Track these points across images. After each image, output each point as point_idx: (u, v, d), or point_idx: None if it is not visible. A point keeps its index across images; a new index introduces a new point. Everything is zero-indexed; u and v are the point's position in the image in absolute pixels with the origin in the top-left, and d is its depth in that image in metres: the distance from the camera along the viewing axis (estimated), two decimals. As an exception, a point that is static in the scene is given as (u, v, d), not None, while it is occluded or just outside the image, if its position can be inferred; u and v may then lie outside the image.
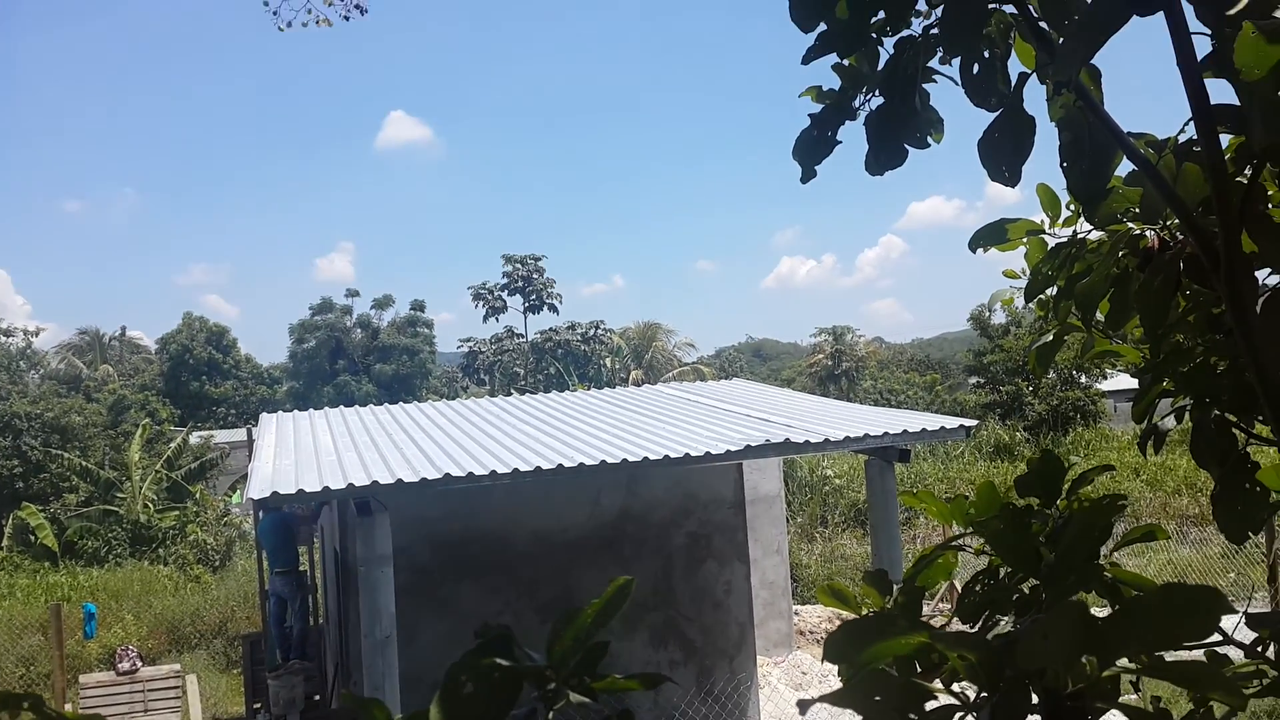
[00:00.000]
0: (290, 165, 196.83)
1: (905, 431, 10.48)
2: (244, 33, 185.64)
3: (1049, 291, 2.60)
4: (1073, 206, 2.48)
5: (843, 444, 10.29)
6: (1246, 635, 1.60)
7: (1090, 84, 2.00)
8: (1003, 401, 37.07)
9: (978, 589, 1.86)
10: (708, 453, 9.49)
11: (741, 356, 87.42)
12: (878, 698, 1.19)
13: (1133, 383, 2.66)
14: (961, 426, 10.87)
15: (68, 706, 15.41)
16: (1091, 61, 1.79)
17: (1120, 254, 2.32)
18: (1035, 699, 1.23)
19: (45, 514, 28.00)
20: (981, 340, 40.29)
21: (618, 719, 1.11)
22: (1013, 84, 2.11)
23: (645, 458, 9.32)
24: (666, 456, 9.38)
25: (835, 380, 63.96)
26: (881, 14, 2.05)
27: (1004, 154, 2.05)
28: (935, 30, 2.11)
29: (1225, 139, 1.93)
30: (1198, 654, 1.36)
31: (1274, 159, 1.73)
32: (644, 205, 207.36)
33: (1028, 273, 2.62)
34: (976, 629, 1.81)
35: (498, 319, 65.91)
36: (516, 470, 8.96)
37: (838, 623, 1.29)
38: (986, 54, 2.12)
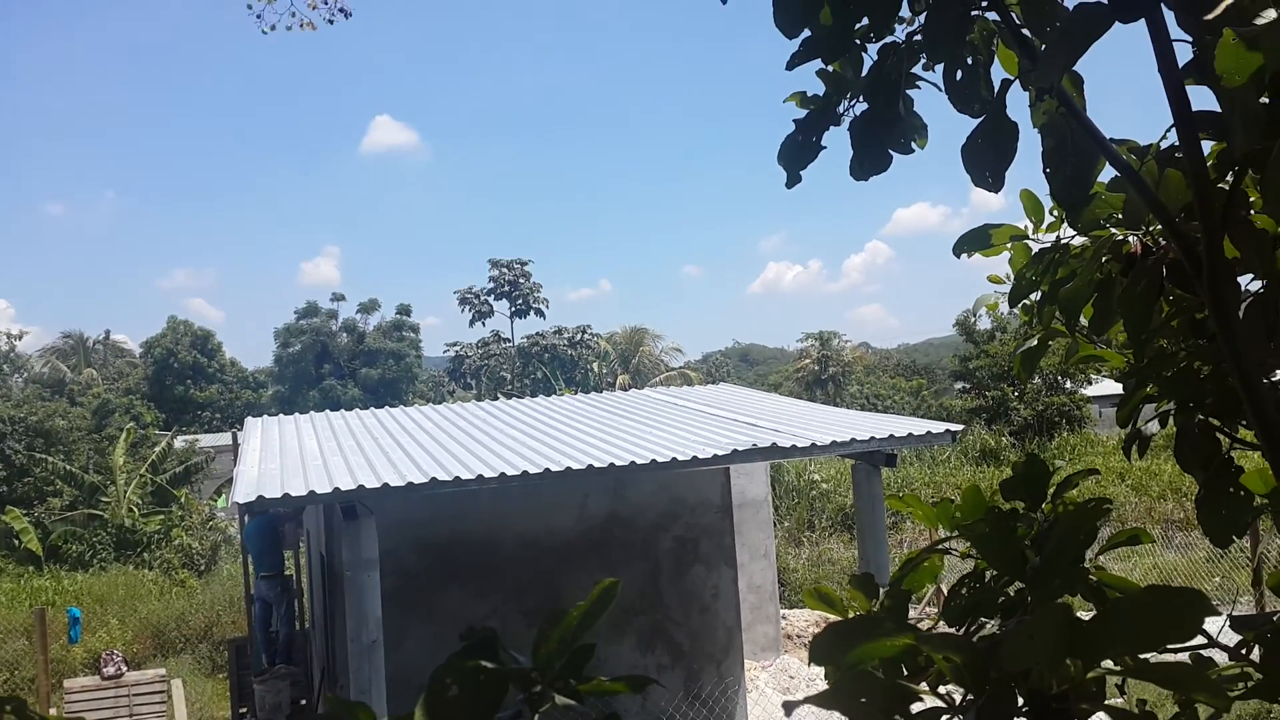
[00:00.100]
0: (275, 169, 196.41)
1: (892, 436, 10.50)
2: (228, 36, 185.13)
3: (1033, 296, 2.61)
4: (1056, 212, 2.50)
5: (829, 448, 10.30)
6: (1232, 639, 1.61)
7: (1073, 90, 2.01)
8: (988, 406, 37.17)
9: (964, 592, 1.86)
10: (695, 457, 9.49)
11: (728, 361, 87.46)
12: (864, 699, 1.20)
13: (1117, 388, 2.67)
14: (947, 431, 10.90)
15: (52, 711, 15.33)
16: (1074, 68, 1.80)
17: (1103, 259, 2.34)
18: (1021, 701, 1.23)
19: (29, 518, 27.83)
20: (967, 346, 40.38)
21: (604, 722, 1.11)
22: (996, 90, 2.12)
23: (632, 462, 9.32)
24: (654, 461, 9.37)
25: (822, 385, 64.00)
26: (865, 20, 2.06)
27: (987, 160, 2.06)
28: (919, 36, 2.12)
29: (1207, 145, 1.95)
30: (1182, 656, 1.37)
31: (1255, 165, 1.75)
32: (631, 210, 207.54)
33: (1012, 278, 2.63)
34: (962, 632, 1.81)
35: (484, 323, 65.78)
36: (503, 474, 8.95)
37: (825, 626, 1.29)
38: (970, 60, 2.13)
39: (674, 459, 9.43)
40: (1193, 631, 1.13)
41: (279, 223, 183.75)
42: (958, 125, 2.18)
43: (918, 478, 28.96)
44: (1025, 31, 2.01)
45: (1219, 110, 1.76)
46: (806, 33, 2.09)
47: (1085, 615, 1.23)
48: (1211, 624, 1.25)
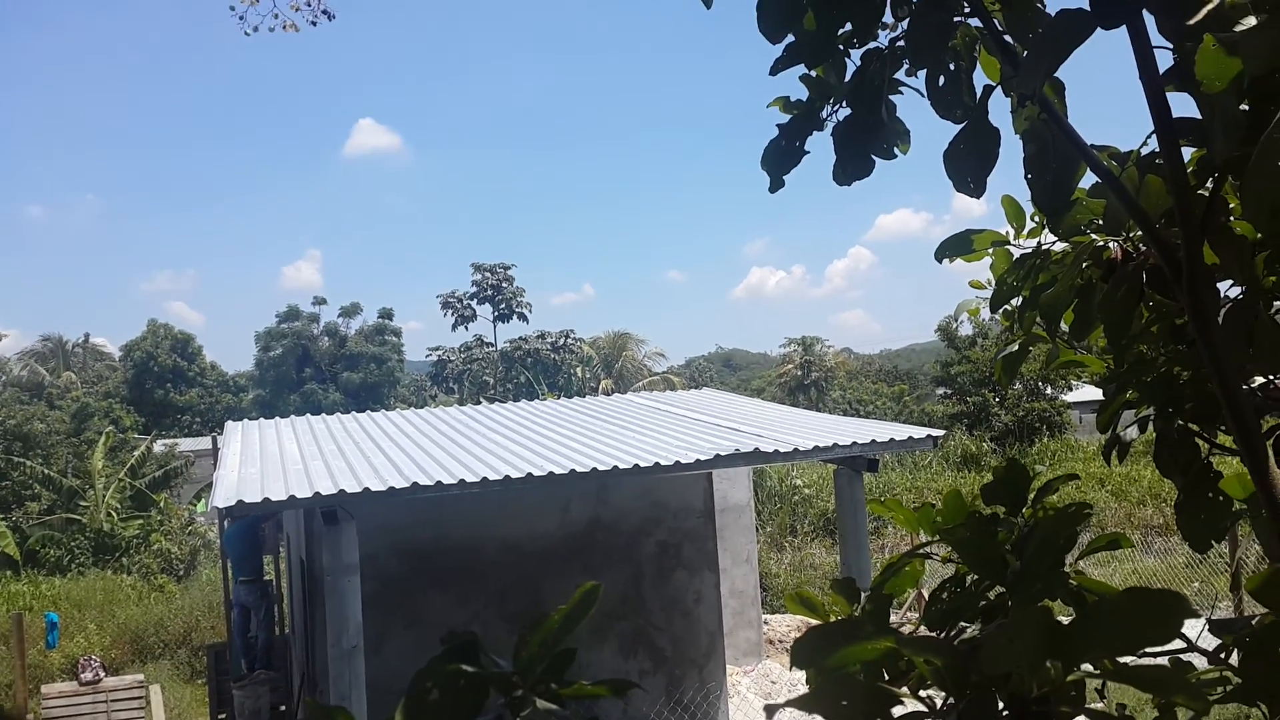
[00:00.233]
0: (257, 172, 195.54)
1: (874, 441, 10.53)
2: (210, 38, 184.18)
3: (1014, 302, 2.63)
4: (1037, 218, 2.51)
5: (812, 453, 10.32)
6: (1211, 644, 1.62)
7: (1054, 97, 2.02)
8: (970, 412, 37.29)
9: (945, 597, 1.86)
10: (677, 462, 9.50)
11: (711, 366, 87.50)
12: (845, 702, 1.20)
13: (1098, 394, 2.68)
14: (929, 436, 10.93)
15: (29, 717, 15.23)
16: (1055, 75, 1.81)
17: (1084, 265, 2.35)
18: (1001, 705, 1.23)
19: (7, 522, 27.62)
20: (949, 351, 40.51)
21: (585, 726, 1.11)
22: (978, 96, 2.13)
23: (615, 467, 9.32)
24: (636, 465, 9.37)
25: (804, 390, 64.10)
26: (849, 26, 2.06)
27: (969, 165, 2.07)
28: (902, 43, 2.13)
29: (1187, 152, 1.96)
30: (1162, 661, 1.37)
31: (1235, 171, 1.76)
32: (615, 215, 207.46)
33: (994, 283, 2.64)
34: (943, 636, 1.82)
35: (467, 328, 65.60)
36: (485, 479, 8.93)
37: (806, 630, 1.29)
38: (952, 66, 2.14)
39: (656, 464, 9.43)
40: (1172, 633, 1.13)
41: (260, 226, 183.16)
42: (940, 131, 2.19)
43: (899, 483, 29.03)
44: (1007, 38, 2.02)
45: (1199, 116, 1.77)
46: (790, 38, 2.09)
47: (1065, 619, 1.23)
48: (1190, 628, 1.26)
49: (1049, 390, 37.05)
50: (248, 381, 64.50)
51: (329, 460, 10.32)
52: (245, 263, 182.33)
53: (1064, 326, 2.50)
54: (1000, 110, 2.09)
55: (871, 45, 2.18)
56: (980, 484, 2.13)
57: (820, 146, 2.33)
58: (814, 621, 1.75)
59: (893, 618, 2.00)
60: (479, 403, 28.58)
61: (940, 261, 2.58)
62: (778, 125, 2.38)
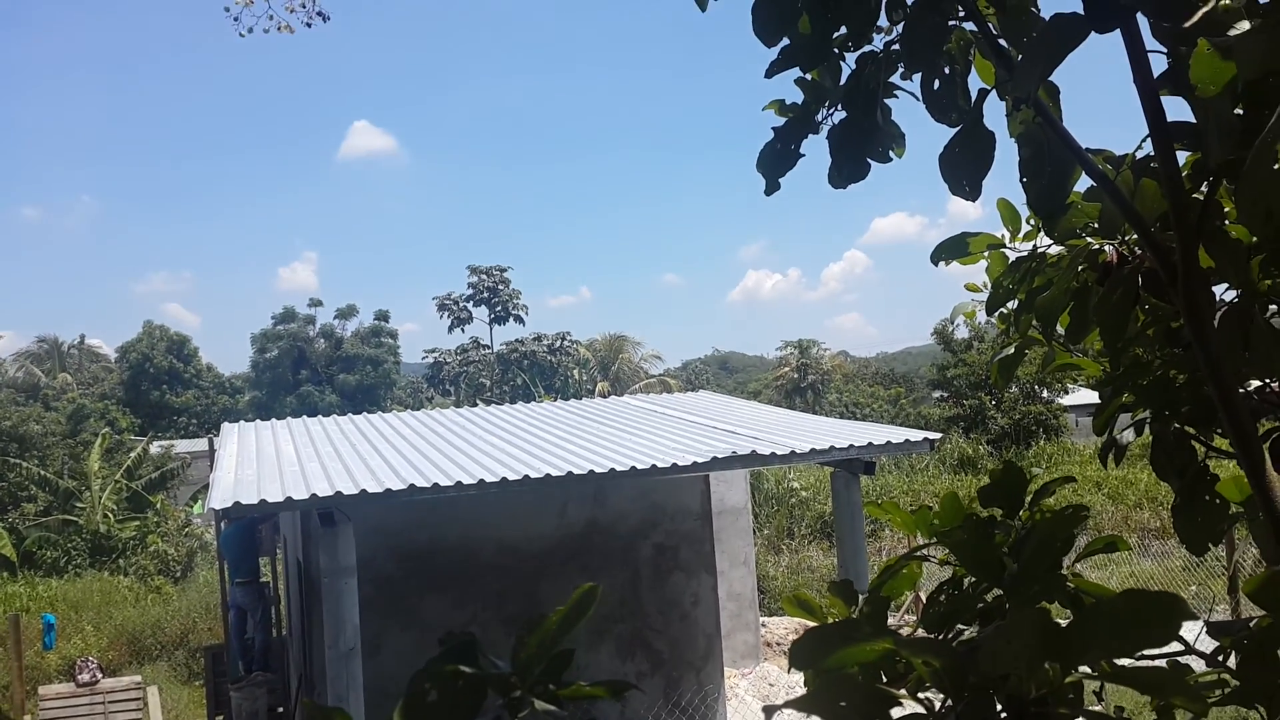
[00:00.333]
0: (253, 173, 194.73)
1: (870, 444, 10.54)
2: (205, 40, 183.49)
3: (1010, 305, 2.63)
4: (1033, 221, 2.52)
5: (809, 456, 10.33)
6: (1208, 647, 1.62)
7: (1049, 100, 2.03)
8: (966, 415, 37.31)
9: (942, 599, 1.87)
10: (674, 464, 9.50)
11: (708, 369, 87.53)
12: (843, 703, 1.20)
13: (1094, 397, 2.69)
14: (925, 439, 10.94)
15: (27, 718, 15.21)
16: (1050, 78, 1.81)
17: (1080, 268, 2.35)
18: (999, 707, 1.24)
19: (3, 524, 27.61)
20: (945, 354, 40.55)
21: (583, 727, 1.11)
22: (973, 100, 2.13)
23: (612, 469, 9.32)
24: (633, 468, 9.38)
25: (801, 393, 64.13)
26: (844, 29, 2.07)
27: (965, 169, 2.08)
28: (897, 46, 2.14)
29: (1182, 155, 1.96)
30: (1159, 663, 1.37)
31: (1229, 175, 1.77)
32: (611, 218, 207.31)
33: (989, 286, 2.64)
34: (941, 638, 1.82)
35: (463, 330, 65.70)
36: (482, 481, 8.93)
37: (804, 631, 1.29)
38: (947, 70, 2.14)
39: (654, 466, 9.43)
40: (1171, 635, 1.13)
41: (256, 227, 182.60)
42: (935, 134, 2.20)
43: (896, 486, 29.04)
44: (1002, 42, 2.03)
45: (1194, 120, 1.78)
46: (785, 41, 2.10)
47: (1063, 622, 1.24)
48: (1188, 631, 1.26)
49: (1045, 393, 37.10)
50: (244, 383, 64.44)
51: (325, 462, 10.32)
52: (241, 264, 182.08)
53: (1060, 330, 2.51)
54: (995, 114, 2.10)
55: (866, 49, 2.18)
56: (977, 487, 2.14)
57: (816, 150, 2.34)
58: (812, 624, 1.76)
59: (890, 620, 2.00)
60: (475, 405, 28.57)
61: (936, 265, 2.58)
62: (773, 128, 2.39)
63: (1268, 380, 2.26)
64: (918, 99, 2.16)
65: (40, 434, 34.13)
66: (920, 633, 1.85)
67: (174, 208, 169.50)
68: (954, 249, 2.55)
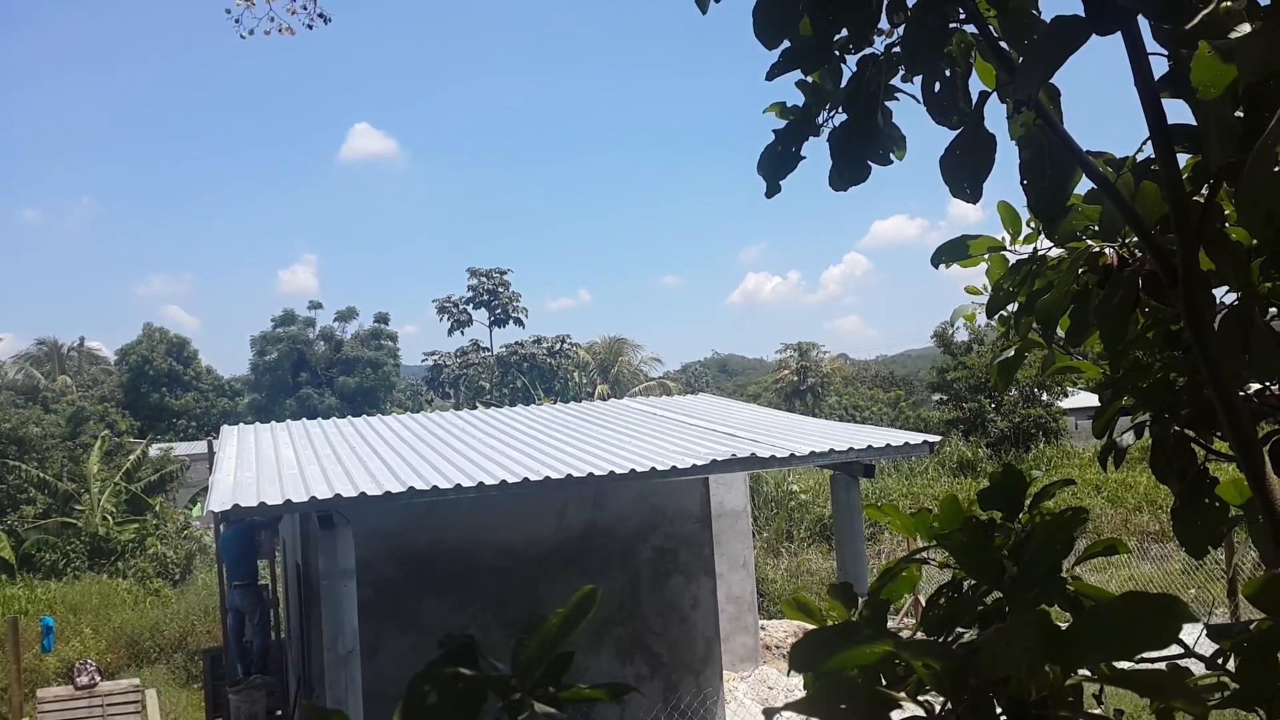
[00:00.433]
0: (252, 176, 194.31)
1: (870, 447, 10.53)
2: (206, 41, 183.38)
3: (1010, 308, 2.63)
4: (1033, 224, 2.51)
5: (808, 459, 10.33)
6: (1208, 650, 1.62)
7: (1049, 103, 2.03)
8: (966, 418, 37.30)
9: (941, 602, 1.87)
10: (674, 467, 9.50)
11: (707, 372, 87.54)
12: (843, 706, 1.20)
13: (1093, 400, 2.69)
14: (925, 442, 10.94)
15: (23, 723, 15.19)
16: (1050, 81, 1.81)
17: (1080, 271, 2.35)
18: (999, 710, 1.24)
19: (2, 526, 27.60)
20: (945, 357, 40.56)
21: (582, 730, 1.11)
22: (974, 102, 2.13)
23: (611, 472, 9.31)
24: (633, 470, 9.37)
25: (801, 396, 64.15)
26: (844, 32, 2.07)
27: (965, 171, 2.08)
28: (897, 49, 2.14)
29: (1183, 158, 1.96)
30: (1159, 666, 1.37)
31: (1230, 178, 1.76)
32: (610, 221, 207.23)
33: (989, 289, 2.64)
34: (941, 641, 1.82)
35: (463, 332, 65.73)
36: (481, 484, 8.92)
37: (804, 634, 1.29)
38: (948, 72, 2.14)
39: (653, 469, 9.43)
40: (1171, 637, 1.13)
41: (256, 230, 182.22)
42: (936, 137, 2.20)
43: (895, 489, 29.04)
44: (1003, 44, 2.03)
45: (1194, 123, 1.78)
46: (786, 44, 2.10)
47: (1063, 624, 1.23)
48: (1188, 634, 1.26)
49: (1045, 396, 37.08)
50: (243, 385, 64.45)
51: (325, 464, 10.32)
52: (241, 267, 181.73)
53: (1060, 332, 2.51)
54: (996, 116, 2.09)
55: (867, 51, 2.18)
56: (976, 490, 2.13)
57: (816, 152, 2.34)
58: (811, 626, 1.75)
59: (890, 623, 2.00)
60: (475, 407, 28.56)
61: (936, 267, 2.58)
62: (774, 131, 2.39)
63: (1267, 383, 2.26)
64: (918, 101, 2.16)
65: (39, 436, 34.14)
66: (920, 635, 1.84)
67: (174, 210, 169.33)
68: (954, 251, 2.55)
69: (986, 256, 2.59)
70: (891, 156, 2.31)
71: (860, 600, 1.91)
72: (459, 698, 1.01)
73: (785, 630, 16.70)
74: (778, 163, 2.39)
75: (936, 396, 42.98)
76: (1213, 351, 1.73)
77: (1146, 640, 1.14)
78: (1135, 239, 2.18)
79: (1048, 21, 1.70)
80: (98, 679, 14.91)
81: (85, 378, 64.73)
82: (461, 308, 65.12)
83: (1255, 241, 1.98)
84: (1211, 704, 1.38)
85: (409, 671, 1.03)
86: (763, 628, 16.28)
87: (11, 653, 14.83)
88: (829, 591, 1.95)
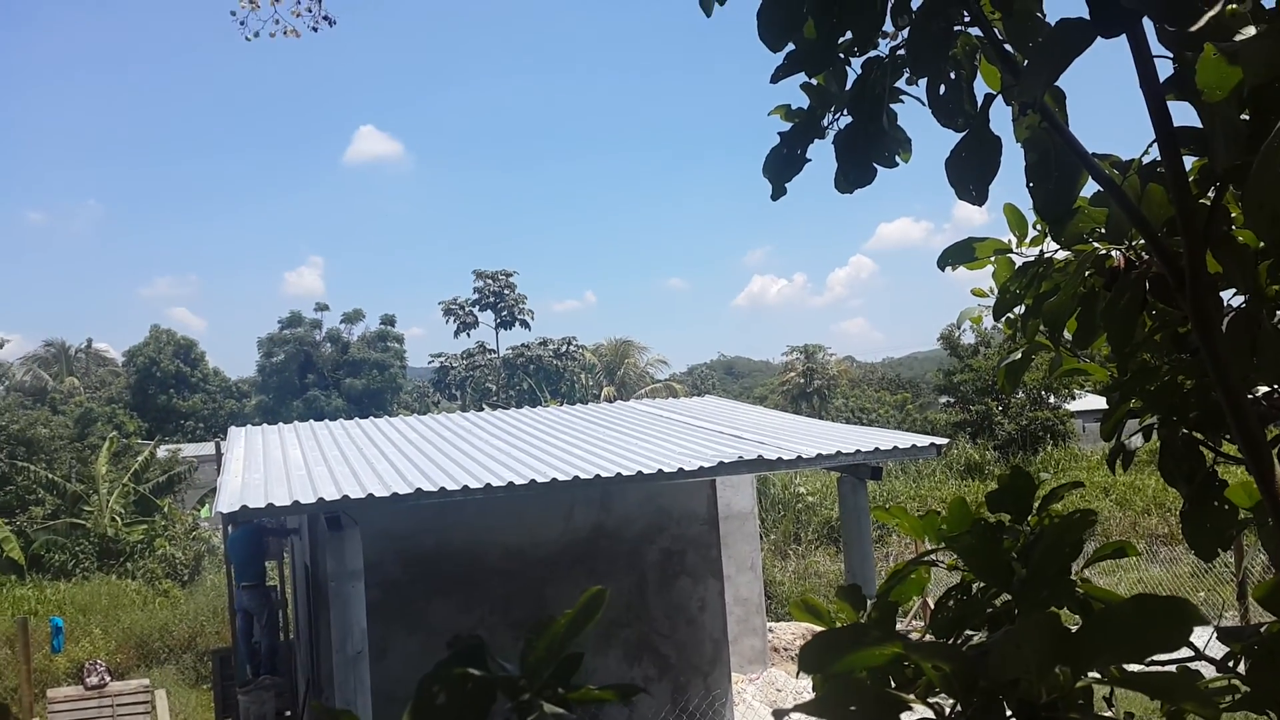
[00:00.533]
0: (259, 178, 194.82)
1: (877, 449, 10.52)
2: (212, 44, 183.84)
3: (1017, 310, 2.62)
4: (1039, 226, 2.51)
5: (815, 461, 10.32)
6: (1218, 654, 1.62)
7: (1055, 105, 2.03)
8: (973, 420, 37.25)
9: (950, 604, 1.87)
10: (681, 469, 9.49)
11: (714, 374, 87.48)
12: (853, 708, 1.20)
13: (1101, 402, 2.68)
14: (932, 444, 10.92)
15: (32, 724, 15.23)
16: (1056, 83, 1.81)
17: (1087, 273, 2.35)
18: (1009, 712, 1.24)
19: (11, 527, 27.66)
20: (951, 360, 40.49)
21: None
22: (979, 105, 2.13)
23: (618, 473, 9.31)
24: (640, 472, 9.37)
25: (807, 398, 64.08)
26: (849, 34, 2.07)
27: (971, 173, 2.07)
28: (902, 51, 2.14)
29: (1189, 160, 1.96)
30: (1169, 668, 1.37)
31: (1236, 180, 1.76)
32: (616, 223, 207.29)
33: (996, 291, 2.64)
34: (950, 644, 1.81)
35: (469, 334, 65.80)
36: (489, 485, 8.93)
37: (813, 635, 1.29)
38: (953, 75, 2.14)
39: (660, 471, 9.42)
40: (1181, 640, 1.13)
41: (262, 232, 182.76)
42: (941, 139, 2.20)
43: (903, 491, 29.00)
44: (1008, 47, 2.03)
45: (1200, 125, 1.78)
46: (791, 46, 2.10)
47: (1073, 627, 1.24)
48: (1198, 637, 1.26)
49: (1052, 399, 37.02)
50: (250, 387, 64.59)
51: (332, 466, 10.33)
52: (248, 268, 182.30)
53: (1067, 335, 2.50)
54: (1001, 119, 2.09)
55: (872, 54, 2.18)
56: (984, 492, 2.14)
57: (821, 154, 2.34)
58: (819, 628, 1.76)
59: (898, 626, 2.00)
60: (481, 409, 28.59)
61: (942, 269, 2.58)
62: (779, 133, 2.39)
63: (1275, 386, 2.26)
64: (924, 104, 2.16)
65: (48, 438, 34.24)
66: (929, 638, 1.84)
67: (179, 212, 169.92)
68: (960, 254, 2.55)
69: (993, 259, 2.59)
70: (897, 159, 2.30)
71: (869, 602, 1.92)
72: (468, 698, 1.01)
73: (793, 632, 16.68)
74: (783, 165, 2.39)
75: (943, 399, 42.92)
76: (1220, 354, 1.73)
77: (1157, 643, 1.14)
78: (1142, 241, 2.18)
79: (1053, 24, 1.70)
80: (107, 679, 14.94)
81: (93, 379, 64.91)
82: (467, 310, 65.19)
83: (1262, 243, 1.98)
84: (1222, 707, 1.38)
85: (417, 672, 1.04)
86: (771, 630, 16.27)
87: (21, 653, 14.86)
88: (837, 593, 1.95)
